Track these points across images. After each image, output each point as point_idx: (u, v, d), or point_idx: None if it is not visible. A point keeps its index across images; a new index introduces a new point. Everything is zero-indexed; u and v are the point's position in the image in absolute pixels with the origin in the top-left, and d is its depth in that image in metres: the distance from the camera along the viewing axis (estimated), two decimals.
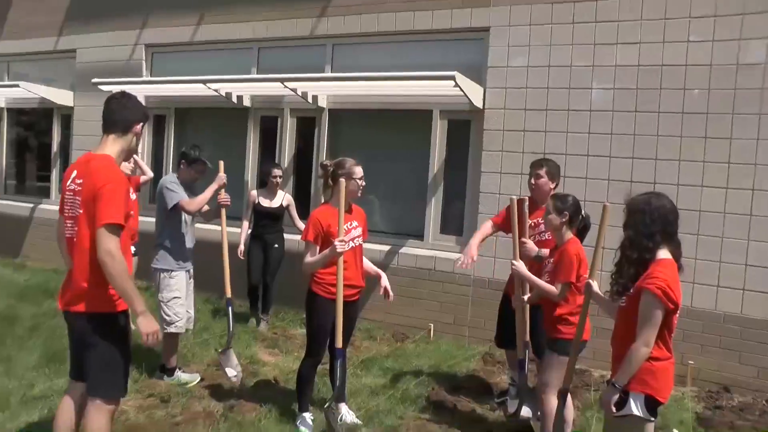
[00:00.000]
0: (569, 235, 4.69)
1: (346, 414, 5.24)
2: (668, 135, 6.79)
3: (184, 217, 5.94)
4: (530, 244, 5.23)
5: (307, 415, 5.12)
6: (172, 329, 5.88)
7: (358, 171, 4.96)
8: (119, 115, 3.80)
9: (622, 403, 3.50)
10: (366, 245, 5.27)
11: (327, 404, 4.79)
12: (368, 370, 6.58)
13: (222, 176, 6.01)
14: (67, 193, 3.70)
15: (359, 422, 5.20)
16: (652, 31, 6.88)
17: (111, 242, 3.47)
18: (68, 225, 3.72)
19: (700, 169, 6.67)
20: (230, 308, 5.89)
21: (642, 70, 6.92)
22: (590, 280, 4.09)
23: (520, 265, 4.87)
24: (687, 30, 6.73)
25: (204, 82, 8.84)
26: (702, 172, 6.66)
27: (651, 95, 6.88)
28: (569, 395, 4.40)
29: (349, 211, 4.97)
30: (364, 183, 5.00)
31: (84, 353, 3.69)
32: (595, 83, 7.15)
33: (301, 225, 7.83)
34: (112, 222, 3.49)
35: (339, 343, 4.81)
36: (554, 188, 5.64)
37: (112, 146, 3.78)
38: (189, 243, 6.04)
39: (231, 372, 5.66)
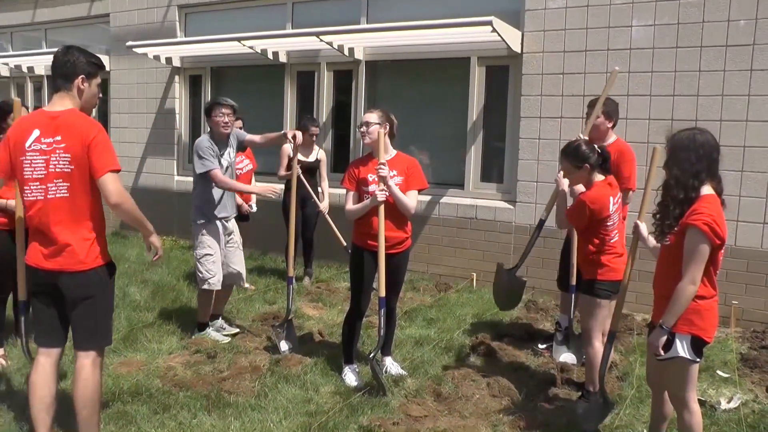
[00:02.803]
0: (598, 178, 4.59)
1: (391, 365, 5.29)
2: (711, 70, 6.61)
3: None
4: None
5: (353, 367, 5.18)
6: (204, 286, 5.89)
7: (363, 117, 5.01)
8: (59, 71, 3.68)
9: (668, 344, 3.46)
10: None
11: (372, 354, 4.84)
12: (412, 321, 6.62)
13: (265, 188, 5.92)
14: (32, 153, 3.56)
15: (404, 373, 5.23)
16: None
17: (119, 184, 3.60)
18: (40, 187, 3.58)
19: (745, 103, 6.48)
20: (291, 286, 5.89)
21: (683, 4, 6.70)
22: (639, 222, 4.02)
23: None
24: None
25: (239, 39, 8.83)
26: (747, 107, 6.48)
27: (693, 30, 6.67)
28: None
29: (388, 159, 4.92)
30: (363, 129, 4.94)
31: (79, 311, 3.71)
32: (635, 21, 6.95)
33: (326, 184, 7.91)
34: (116, 169, 3.60)
35: (382, 292, 4.83)
36: (612, 127, 5.53)
37: (62, 102, 3.65)
38: (228, 199, 6.03)
39: (284, 346, 5.69)
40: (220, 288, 5.97)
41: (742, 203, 6.50)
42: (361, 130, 4.95)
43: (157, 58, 10.21)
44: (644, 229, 3.98)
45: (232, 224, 6.12)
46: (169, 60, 10.33)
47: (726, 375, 5.32)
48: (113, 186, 3.56)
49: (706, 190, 3.48)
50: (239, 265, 6.15)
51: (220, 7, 10.08)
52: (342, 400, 4.71)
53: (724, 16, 6.52)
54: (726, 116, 6.55)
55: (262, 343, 5.93)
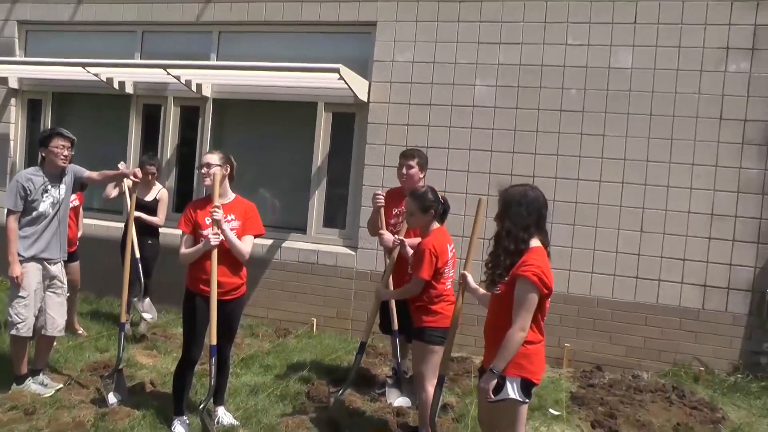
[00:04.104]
0: (434, 226, 4.74)
1: (223, 416, 5.08)
2: (547, 131, 7.14)
3: (41, 210, 5.40)
4: (387, 236, 5.33)
5: (182, 419, 4.91)
6: (12, 331, 5.36)
7: (204, 158, 4.94)
8: None
9: (498, 388, 3.56)
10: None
11: (202, 405, 4.66)
12: (248, 368, 6.42)
13: (15, 271, 5.31)
14: None
15: (236, 423, 5.04)
16: (533, 32, 7.20)
17: None
18: None
19: (576, 163, 7.06)
20: (123, 333, 5.54)
21: (523, 70, 7.20)
22: (465, 272, 4.16)
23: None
24: (565, 33, 7.12)
25: (83, 65, 8.35)
26: (578, 166, 7.07)
27: (531, 93, 7.18)
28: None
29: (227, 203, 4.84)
30: (204, 171, 4.84)
31: None
32: (478, 80, 7.34)
33: (154, 219, 7.30)
34: None
35: (213, 340, 4.68)
36: (422, 178, 5.73)
37: None
38: (55, 240, 5.53)
39: (112, 398, 5.29)
40: (29, 335, 5.43)
41: (574, 254, 7.05)
42: (202, 171, 4.83)
43: None
44: (471, 279, 4.14)
45: (57, 268, 5.57)
46: (4, 80, 9.63)
47: (557, 413, 5.57)
48: None
49: (535, 242, 3.68)
50: (58, 313, 5.59)
51: (66, 28, 9.52)
52: None
53: (559, 84, 7.09)
54: (560, 174, 7.09)
55: (89, 396, 5.48)
